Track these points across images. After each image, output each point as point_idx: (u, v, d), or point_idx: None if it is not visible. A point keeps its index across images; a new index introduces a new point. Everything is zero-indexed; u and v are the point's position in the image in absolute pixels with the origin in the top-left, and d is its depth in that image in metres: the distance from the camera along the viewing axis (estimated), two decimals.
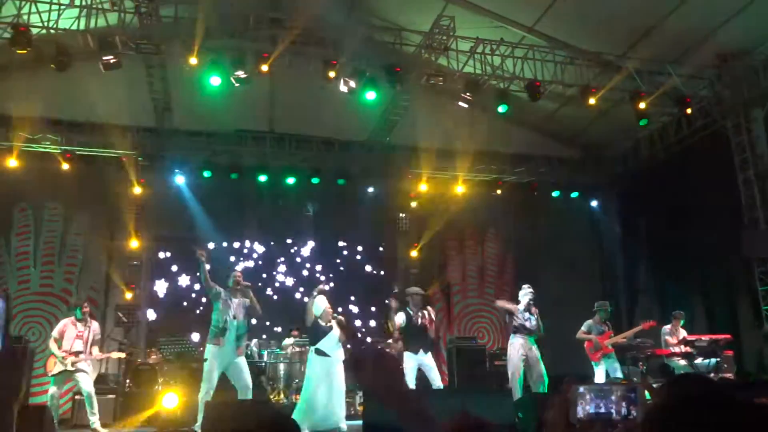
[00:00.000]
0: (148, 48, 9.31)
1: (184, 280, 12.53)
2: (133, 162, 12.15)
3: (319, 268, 13.53)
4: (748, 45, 10.61)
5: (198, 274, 7.56)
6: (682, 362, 9.24)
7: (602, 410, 1.79)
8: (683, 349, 9.26)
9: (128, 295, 11.96)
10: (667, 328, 9.69)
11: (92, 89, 10.59)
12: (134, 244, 12.15)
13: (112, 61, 9.10)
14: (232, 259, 12.92)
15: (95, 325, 8.39)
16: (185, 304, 12.31)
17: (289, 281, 13.22)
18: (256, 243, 13.29)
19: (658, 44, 10.43)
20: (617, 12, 9.96)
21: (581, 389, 1.79)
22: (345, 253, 13.81)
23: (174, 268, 12.60)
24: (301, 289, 12.95)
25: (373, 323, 13.10)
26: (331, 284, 12.16)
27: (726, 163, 11.32)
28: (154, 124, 12.21)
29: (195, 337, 10.92)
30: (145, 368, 10.05)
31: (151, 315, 12.20)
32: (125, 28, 9.44)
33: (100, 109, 11.24)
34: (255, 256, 13.25)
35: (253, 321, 8.88)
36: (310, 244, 13.62)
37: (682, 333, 9.64)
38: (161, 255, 12.62)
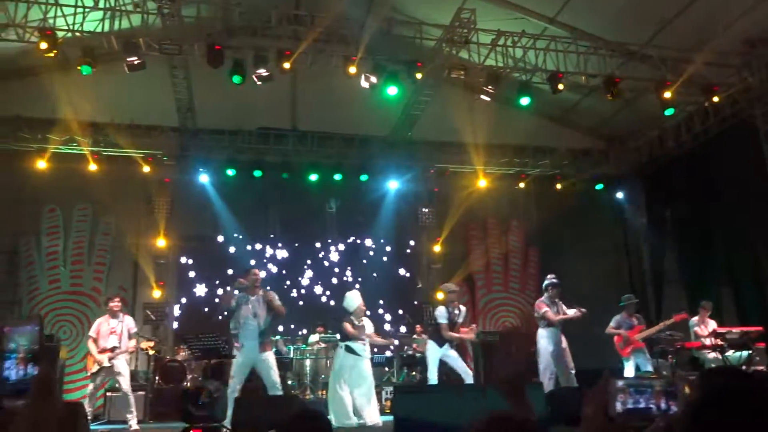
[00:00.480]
0: (170, 49, 9.39)
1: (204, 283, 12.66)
2: (159, 162, 12.32)
3: (342, 266, 13.57)
4: None
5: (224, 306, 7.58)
6: (713, 355, 9.10)
7: (641, 405, 1.77)
8: (714, 341, 9.12)
9: (156, 293, 12.14)
10: (695, 319, 9.57)
11: (117, 91, 10.75)
12: (161, 243, 12.31)
13: (136, 62, 9.22)
14: (254, 261, 12.98)
15: (128, 320, 8.52)
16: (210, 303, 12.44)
17: (313, 281, 13.26)
18: (279, 243, 13.35)
19: (682, 32, 10.26)
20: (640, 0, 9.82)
21: (620, 383, 1.78)
22: (370, 252, 13.82)
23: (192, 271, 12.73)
24: (327, 292, 13.03)
25: (403, 329, 13.00)
26: (357, 284, 12.21)
27: (754, 152, 11.11)
28: (178, 123, 12.34)
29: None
30: (173, 365, 10.20)
31: (178, 312, 12.38)
32: (148, 29, 9.56)
33: (126, 110, 11.42)
34: (279, 256, 13.31)
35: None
36: (334, 241, 13.66)
37: (711, 324, 9.51)
38: (183, 259, 12.75)
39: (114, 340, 8.13)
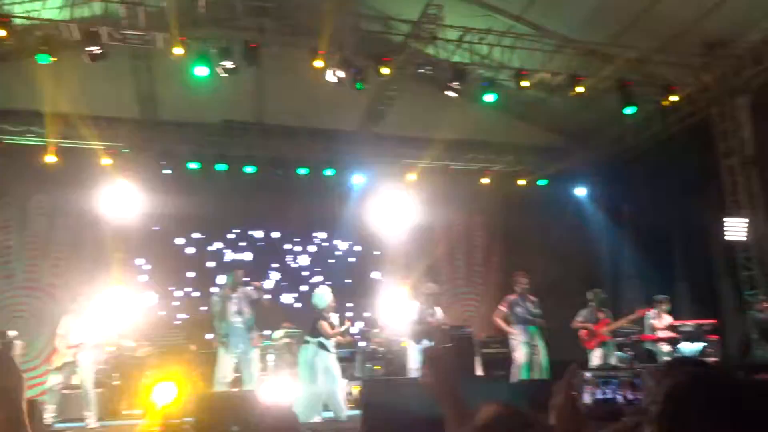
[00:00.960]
0: (133, 39, 9.20)
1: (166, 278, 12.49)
2: (119, 154, 12.05)
3: (307, 261, 13.54)
4: (733, 34, 10.70)
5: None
6: (667, 348, 9.37)
7: (608, 395, 1.82)
8: (669, 334, 9.39)
9: (118, 288, 11.87)
10: (651, 312, 9.82)
11: (77, 81, 10.45)
12: (120, 237, 12.04)
13: (96, 52, 8.97)
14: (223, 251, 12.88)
15: (94, 315, 8.35)
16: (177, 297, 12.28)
17: (278, 276, 13.19)
18: (243, 238, 13.24)
19: (644, 33, 10.49)
20: (604, 0, 10.01)
21: (587, 375, 1.82)
22: (332, 245, 13.81)
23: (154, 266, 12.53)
24: (292, 288, 12.99)
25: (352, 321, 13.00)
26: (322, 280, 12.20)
27: (710, 150, 11.48)
28: (140, 115, 12.08)
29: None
30: (133, 361, 10.01)
31: (140, 308, 12.15)
32: (110, 18, 9.32)
33: (85, 100, 11.12)
34: (243, 251, 13.20)
35: None
36: (299, 236, 13.60)
37: (667, 318, 9.78)
38: (144, 253, 12.52)
39: (79, 336, 7.99)
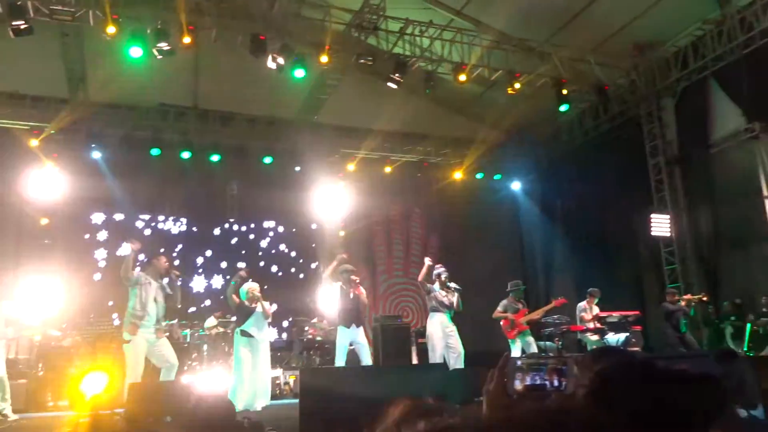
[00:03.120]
0: (62, 14, 8.79)
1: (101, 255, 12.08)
2: (46, 134, 11.50)
3: (243, 249, 13.34)
4: (662, 37, 11.19)
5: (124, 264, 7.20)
6: (594, 337, 9.74)
7: (537, 382, 1.91)
8: (596, 325, 9.76)
9: (42, 276, 11.37)
10: (582, 305, 10.18)
11: (1, 56, 9.92)
12: (44, 221, 11.55)
13: (22, 26, 8.53)
14: (154, 238, 12.53)
15: (5, 305, 7.95)
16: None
17: (213, 264, 12.93)
18: (177, 224, 12.92)
19: (579, 33, 10.83)
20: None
21: (518, 363, 1.89)
22: (270, 234, 13.67)
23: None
24: (227, 276, 12.72)
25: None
26: (246, 267, 12.00)
27: (638, 149, 11.98)
28: (68, 95, 11.56)
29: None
30: (59, 351, 9.64)
31: (66, 296, 11.68)
32: None
33: (10, 77, 10.56)
34: (176, 238, 12.88)
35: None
36: (235, 224, 13.39)
37: (596, 310, 10.16)
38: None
39: None
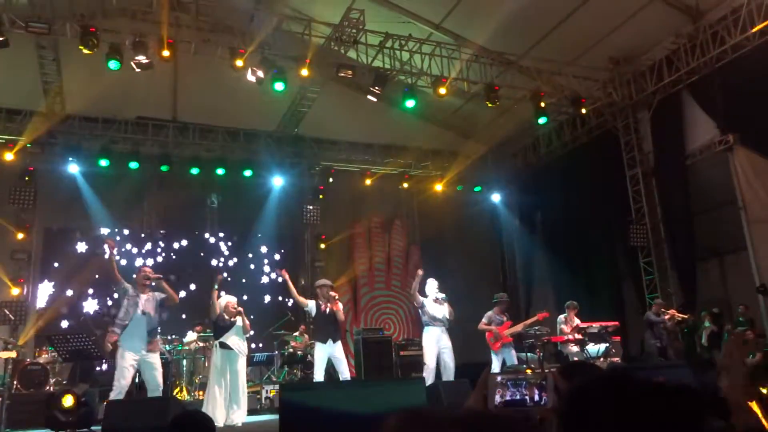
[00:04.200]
0: (38, 27, 8.71)
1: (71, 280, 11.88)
2: (22, 148, 11.35)
3: (222, 263, 13.22)
4: (637, 50, 11.38)
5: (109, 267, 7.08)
6: (575, 348, 9.78)
7: (518, 397, 1.93)
8: (576, 336, 9.81)
9: (15, 291, 11.19)
10: (562, 317, 10.23)
11: None
12: (20, 236, 11.37)
13: None
14: (134, 251, 12.39)
15: None
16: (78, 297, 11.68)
17: (192, 278, 12.77)
18: (155, 238, 12.78)
19: (556, 46, 10.97)
20: (520, 13, 10.36)
21: (499, 378, 1.91)
22: (252, 249, 13.56)
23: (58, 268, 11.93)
24: (205, 290, 12.56)
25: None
26: (229, 278, 11.89)
27: (616, 161, 12.13)
28: (45, 108, 11.44)
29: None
30: (34, 368, 9.46)
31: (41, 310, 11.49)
32: (13, 4, 8.80)
33: None
34: (155, 252, 12.73)
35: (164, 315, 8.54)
36: (215, 237, 13.28)
37: (576, 322, 10.22)
38: (47, 254, 11.89)
39: None
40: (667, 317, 10.03)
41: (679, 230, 11.30)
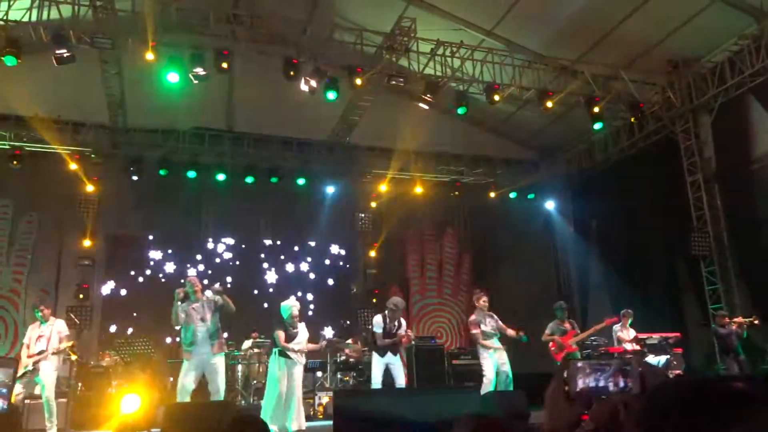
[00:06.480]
0: (102, 42, 9.06)
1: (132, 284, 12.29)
2: (87, 159, 11.85)
3: (277, 270, 13.41)
4: (697, 53, 11.03)
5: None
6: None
7: (601, 384, 1.86)
8: (635, 346, 9.52)
9: (80, 296, 11.62)
10: (617, 326, 9.95)
11: (44, 84, 10.28)
12: (86, 243, 11.83)
13: (65, 55, 8.83)
14: (188, 257, 12.72)
15: (59, 323, 8.12)
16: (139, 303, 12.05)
17: (249, 285, 13.01)
18: (214, 243, 13.10)
19: (612, 50, 10.75)
20: (573, 18, 10.22)
21: (580, 364, 1.86)
22: (306, 257, 13.72)
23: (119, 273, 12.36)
24: (263, 297, 12.79)
25: (329, 331, 12.85)
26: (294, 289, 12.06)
27: (675, 167, 11.74)
28: (108, 121, 11.90)
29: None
30: (98, 371, 9.79)
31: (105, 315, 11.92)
32: (79, 21, 9.18)
33: (52, 104, 10.92)
34: (213, 259, 13.04)
35: None
36: (270, 245, 13.50)
37: (631, 331, 9.92)
38: (110, 260, 12.32)
39: (42, 345, 7.78)
40: (734, 327, 9.55)
41: (745, 238, 10.84)
